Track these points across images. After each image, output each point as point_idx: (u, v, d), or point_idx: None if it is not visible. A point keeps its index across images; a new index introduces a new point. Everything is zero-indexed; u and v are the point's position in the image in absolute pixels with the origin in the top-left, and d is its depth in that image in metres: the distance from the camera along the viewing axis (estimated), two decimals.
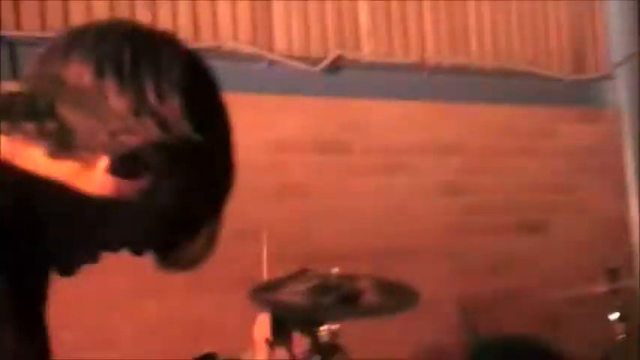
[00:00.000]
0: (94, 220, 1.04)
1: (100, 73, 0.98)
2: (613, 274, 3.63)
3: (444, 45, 4.60)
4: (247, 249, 4.09)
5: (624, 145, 5.14)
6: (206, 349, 3.90)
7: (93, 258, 1.11)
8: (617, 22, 5.28)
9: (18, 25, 3.59)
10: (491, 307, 4.46)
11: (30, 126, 0.99)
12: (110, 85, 0.98)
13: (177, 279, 3.86)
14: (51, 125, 0.98)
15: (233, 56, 3.99)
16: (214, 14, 4.06)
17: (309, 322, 3.07)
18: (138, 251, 1.12)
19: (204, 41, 3.97)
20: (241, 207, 4.01)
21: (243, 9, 4.09)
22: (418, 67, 4.50)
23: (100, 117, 0.98)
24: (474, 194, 4.61)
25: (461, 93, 4.55)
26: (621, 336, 3.60)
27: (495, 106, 4.61)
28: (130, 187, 1.01)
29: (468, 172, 4.61)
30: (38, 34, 3.51)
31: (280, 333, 3.51)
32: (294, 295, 3.06)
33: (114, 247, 1.11)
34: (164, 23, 3.78)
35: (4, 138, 1.00)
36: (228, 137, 1.12)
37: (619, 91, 5.19)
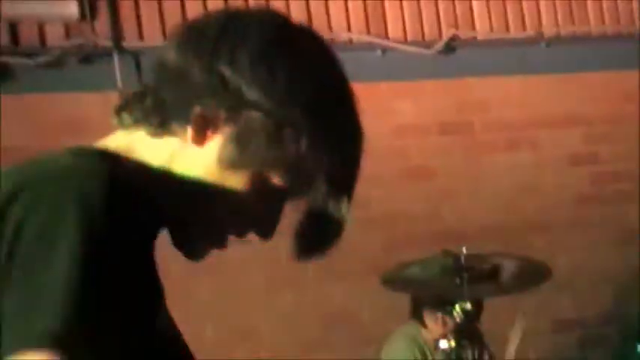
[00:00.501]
0: (217, 207, 1.06)
1: (181, 50, 1.03)
2: None
3: (560, 15, 4.50)
4: (376, 236, 4.16)
5: None
6: (342, 338, 3.99)
7: (220, 243, 1.11)
8: None
9: (140, 36, 3.79)
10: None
11: (137, 107, 1.06)
12: (194, 61, 1.02)
13: (310, 271, 4.00)
14: (148, 100, 1.05)
15: (347, 47, 4.02)
16: (327, 7, 4.12)
17: (443, 302, 3.10)
18: (265, 234, 1.11)
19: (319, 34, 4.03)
20: (367, 194, 4.08)
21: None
22: (535, 40, 4.43)
23: (186, 89, 1.02)
24: (601, 164, 4.50)
25: (580, 62, 4.43)
26: None
27: (616, 72, 4.47)
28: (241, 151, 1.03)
29: (592, 142, 4.50)
30: (159, 43, 3.69)
31: (416, 314, 3.57)
32: (427, 276, 3.09)
33: (241, 231, 1.11)
34: None
35: (121, 132, 1.09)
36: (341, 108, 1.09)
37: None
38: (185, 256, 1.11)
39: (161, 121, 1.05)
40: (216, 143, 1.02)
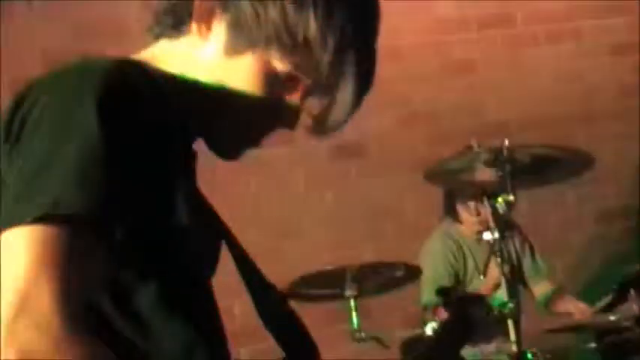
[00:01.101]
0: (236, 105, 1.09)
1: None
2: None
3: None
4: (418, 131, 4.20)
5: None
6: (385, 233, 4.08)
7: (252, 141, 1.15)
8: None
9: None
10: None
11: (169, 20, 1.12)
12: None
13: (351, 168, 4.07)
14: (164, 4, 1.11)
15: None
16: None
17: (486, 195, 3.13)
18: (289, 125, 1.13)
19: None
20: (409, 90, 4.10)
21: None
22: None
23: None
24: None
25: None
26: None
27: None
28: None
29: (636, 31, 4.40)
30: None
31: (450, 209, 3.64)
32: (469, 169, 3.12)
33: (266, 127, 1.14)
34: None
35: (162, 40, 1.14)
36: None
37: None
38: (220, 157, 1.15)
39: (174, 22, 1.10)
40: (218, 33, 1.07)
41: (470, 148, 3.21)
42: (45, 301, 0.85)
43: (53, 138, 0.91)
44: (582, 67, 4.40)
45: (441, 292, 3.22)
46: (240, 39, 1.06)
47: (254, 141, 1.15)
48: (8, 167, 0.94)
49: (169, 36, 1.11)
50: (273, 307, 1.24)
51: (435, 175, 3.28)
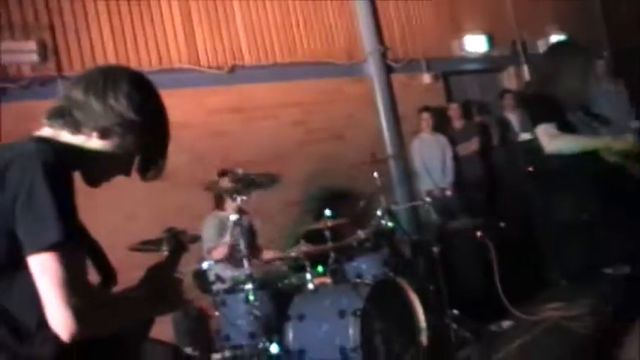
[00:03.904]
0: (102, 160, 2.01)
1: (85, 92, 1.98)
2: None
3: None
4: None
5: None
6: None
7: (108, 178, 2.12)
8: None
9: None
10: None
11: (60, 121, 1.99)
12: (92, 97, 1.98)
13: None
14: (69, 118, 1.99)
15: None
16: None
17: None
18: (126, 174, 2.12)
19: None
20: None
21: None
22: None
23: (89, 111, 1.98)
24: None
25: None
26: None
27: None
28: (113, 143, 2.01)
29: None
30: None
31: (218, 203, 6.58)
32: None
33: (115, 172, 2.11)
34: None
35: (48, 128, 2.02)
36: (158, 117, 2.09)
37: None
38: (88, 185, 2.05)
39: (75, 129, 1.99)
40: (104, 139, 2.01)
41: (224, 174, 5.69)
42: (73, 285, 1.73)
43: (35, 199, 1.75)
44: None
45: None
46: (119, 144, 2.01)
47: (106, 179, 2.10)
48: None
49: (72, 133, 1.99)
50: None
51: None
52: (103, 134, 1.99)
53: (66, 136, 2.00)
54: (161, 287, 2.10)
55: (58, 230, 1.72)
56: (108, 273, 2.07)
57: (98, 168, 2.06)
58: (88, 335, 1.75)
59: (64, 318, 1.70)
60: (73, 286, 1.72)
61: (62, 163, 1.83)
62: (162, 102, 2.12)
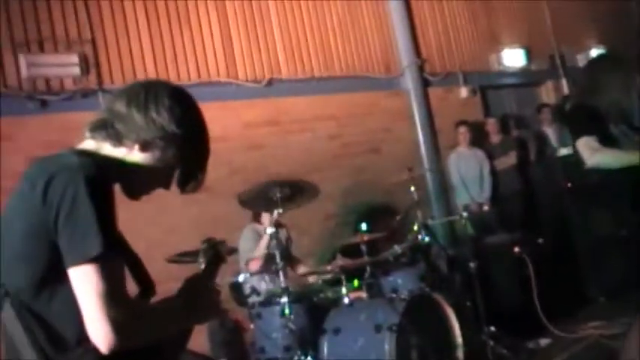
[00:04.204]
0: (143, 173, 2.05)
1: (127, 105, 2.01)
2: None
3: None
4: None
5: None
6: None
7: (149, 192, 2.14)
8: None
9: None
10: None
11: (103, 133, 2.01)
12: (134, 110, 2.00)
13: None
14: (111, 130, 2.01)
15: None
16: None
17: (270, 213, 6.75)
18: (166, 187, 2.13)
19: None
20: None
21: None
22: None
23: (131, 124, 1.99)
24: None
25: None
26: None
27: None
28: (154, 156, 2.01)
29: None
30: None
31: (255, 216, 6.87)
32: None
33: (156, 185, 2.12)
34: None
35: (90, 140, 2.04)
36: (199, 130, 2.10)
37: None
38: (129, 198, 2.09)
39: (117, 142, 2.01)
40: (145, 152, 2.02)
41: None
42: (113, 297, 1.75)
43: (77, 212, 1.78)
44: None
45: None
46: (160, 157, 2.02)
47: (149, 192, 2.12)
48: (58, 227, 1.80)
49: (113, 145, 2.01)
50: None
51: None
52: (145, 147, 2.00)
53: (108, 149, 2.02)
54: (199, 297, 2.10)
55: (98, 243, 1.74)
56: (147, 284, 2.09)
57: (139, 181, 2.07)
58: (127, 347, 1.75)
59: (103, 330, 1.72)
60: (112, 297, 1.74)
61: (104, 176, 1.85)
62: (202, 116, 2.12)
